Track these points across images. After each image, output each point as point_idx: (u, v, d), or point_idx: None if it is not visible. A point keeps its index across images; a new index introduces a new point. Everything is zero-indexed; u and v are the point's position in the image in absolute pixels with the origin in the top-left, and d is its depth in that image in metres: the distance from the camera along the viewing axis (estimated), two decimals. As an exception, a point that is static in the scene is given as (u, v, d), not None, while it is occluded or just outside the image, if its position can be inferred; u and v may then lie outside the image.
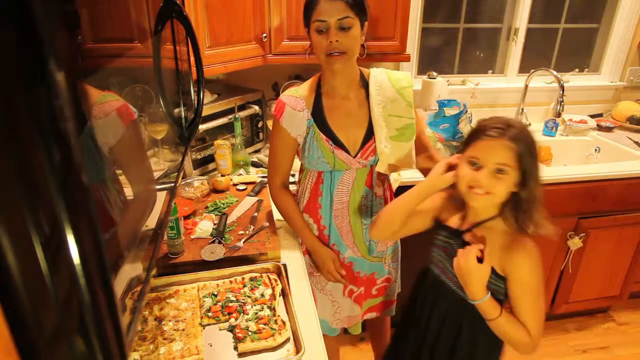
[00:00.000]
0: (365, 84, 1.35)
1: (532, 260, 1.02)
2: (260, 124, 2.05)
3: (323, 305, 1.52)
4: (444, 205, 1.18)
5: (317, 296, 1.50)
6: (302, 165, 1.46)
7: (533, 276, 1.03)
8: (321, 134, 1.31)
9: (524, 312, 1.04)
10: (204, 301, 1.15)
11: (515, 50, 2.50)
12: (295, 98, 1.32)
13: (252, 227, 1.46)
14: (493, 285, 1.06)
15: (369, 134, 1.33)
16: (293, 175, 1.77)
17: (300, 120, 1.31)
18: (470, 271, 1.03)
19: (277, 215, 1.56)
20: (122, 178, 0.62)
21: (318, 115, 1.32)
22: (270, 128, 1.89)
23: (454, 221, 1.15)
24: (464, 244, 1.09)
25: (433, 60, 2.52)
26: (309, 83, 1.36)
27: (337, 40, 1.18)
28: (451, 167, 1.10)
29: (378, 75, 1.34)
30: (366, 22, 1.25)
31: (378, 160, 1.34)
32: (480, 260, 1.05)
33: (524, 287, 1.03)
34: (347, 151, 1.33)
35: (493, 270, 1.05)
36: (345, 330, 1.66)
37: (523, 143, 0.98)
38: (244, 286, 1.20)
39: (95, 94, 0.51)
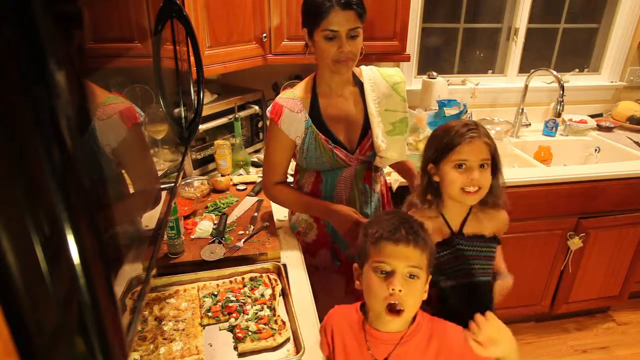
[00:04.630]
0: (358, 81, 1.37)
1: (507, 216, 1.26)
2: (260, 124, 2.05)
3: (328, 307, 1.51)
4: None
5: (319, 297, 1.50)
6: (296, 166, 1.46)
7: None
8: (320, 134, 1.31)
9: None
10: (204, 301, 1.15)
11: (515, 50, 2.50)
12: (293, 100, 1.31)
13: (252, 227, 1.46)
14: (492, 252, 1.21)
15: (365, 130, 1.35)
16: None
17: (299, 122, 1.31)
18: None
19: (277, 215, 1.57)
20: (127, 179, 0.62)
21: (316, 115, 1.32)
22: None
23: (438, 237, 1.20)
24: (466, 239, 1.19)
25: (433, 60, 2.52)
26: (303, 84, 1.36)
27: (349, 50, 1.19)
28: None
29: (370, 72, 1.37)
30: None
31: (375, 155, 1.36)
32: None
33: (506, 227, 1.26)
34: (345, 149, 1.34)
35: (490, 239, 1.21)
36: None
37: (490, 136, 1.14)
38: (244, 286, 1.20)
39: (101, 95, 0.51)
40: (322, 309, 1.50)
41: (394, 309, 0.89)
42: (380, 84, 1.35)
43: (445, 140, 1.14)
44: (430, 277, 0.97)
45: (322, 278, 1.49)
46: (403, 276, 0.90)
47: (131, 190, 0.64)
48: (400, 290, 0.88)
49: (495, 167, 1.15)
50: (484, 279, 1.21)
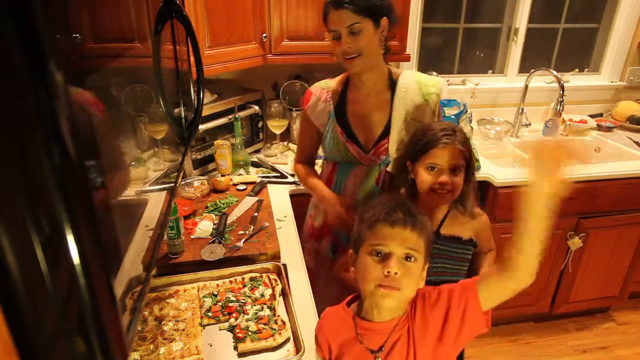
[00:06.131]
0: (392, 84, 1.35)
1: (485, 214, 1.30)
2: (260, 124, 2.05)
3: (328, 306, 1.51)
4: None
5: (321, 291, 1.50)
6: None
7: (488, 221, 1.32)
8: (338, 126, 1.36)
9: (491, 242, 1.32)
10: (204, 301, 1.15)
11: (515, 50, 2.49)
12: (322, 89, 1.41)
13: (252, 227, 1.46)
14: (467, 255, 1.25)
15: (385, 133, 1.35)
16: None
17: (322, 110, 1.39)
18: None
19: (277, 215, 1.57)
20: (124, 175, 0.61)
21: (340, 108, 1.38)
22: (271, 127, 1.93)
23: None
24: (441, 239, 1.23)
25: (433, 60, 2.51)
26: (339, 77, 1.42)
27: (349, 47, 1.22)
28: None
29: (406, 78, 1.35)
30: (384, 18, 1.24)
31: (389, 161, 1.36)
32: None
33: (488, 230, 1.30)
34: (360, 147, 1.36)
35: (467, 241, 1.24)
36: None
37: (467, 143, 1.16)
38: (244, 286, 1.20)
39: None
40: (322, 309, 1.50)
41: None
42: (413, 92, 1.33)
43: (421, 142, 1.18)
44: (427, 265, 0.93)
45: (321, 276, 1.49)
46: (399, 258, 0.86)
47: (131, 188, 0.64)
48: (396, 273, 0.84)
49: (468, 172, 1.18)
50: (454, 278, 1.20)
